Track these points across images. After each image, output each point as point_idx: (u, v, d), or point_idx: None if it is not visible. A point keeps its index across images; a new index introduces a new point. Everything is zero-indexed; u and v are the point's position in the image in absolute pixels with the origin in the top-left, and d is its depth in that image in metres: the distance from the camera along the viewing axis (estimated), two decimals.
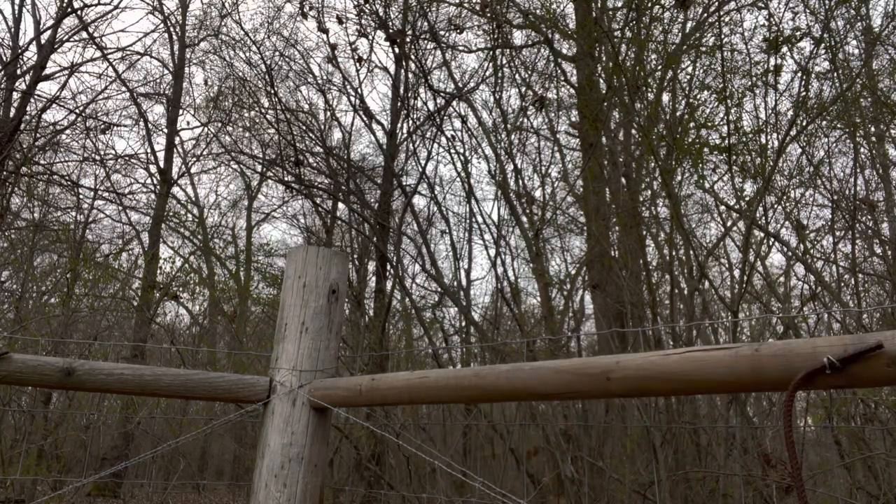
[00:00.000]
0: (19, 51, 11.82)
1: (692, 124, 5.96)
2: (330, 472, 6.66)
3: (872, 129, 6.34)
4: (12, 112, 11.12)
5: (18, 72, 11.69)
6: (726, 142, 5.28)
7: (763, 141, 5.29)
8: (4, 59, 11.50)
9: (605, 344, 5.58)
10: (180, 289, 11.02)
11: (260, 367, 6.91)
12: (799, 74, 5.39)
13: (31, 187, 11.68)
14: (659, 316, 5.48)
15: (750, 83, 5.80)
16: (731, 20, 6.61)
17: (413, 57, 8.18)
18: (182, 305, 12.75)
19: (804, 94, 5.05)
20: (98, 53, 14.29)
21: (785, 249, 5.96)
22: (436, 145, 8.93)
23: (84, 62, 12.93)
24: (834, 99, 5.36)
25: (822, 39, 5.20)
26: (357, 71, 9.41)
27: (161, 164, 14.05)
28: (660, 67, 6.43)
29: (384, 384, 1.93)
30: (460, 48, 8.92)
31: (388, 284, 8.33)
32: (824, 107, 5.33)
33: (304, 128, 9.49)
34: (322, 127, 12.02)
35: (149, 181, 14.84)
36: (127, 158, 14.07)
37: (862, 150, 6.32)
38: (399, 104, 9.58)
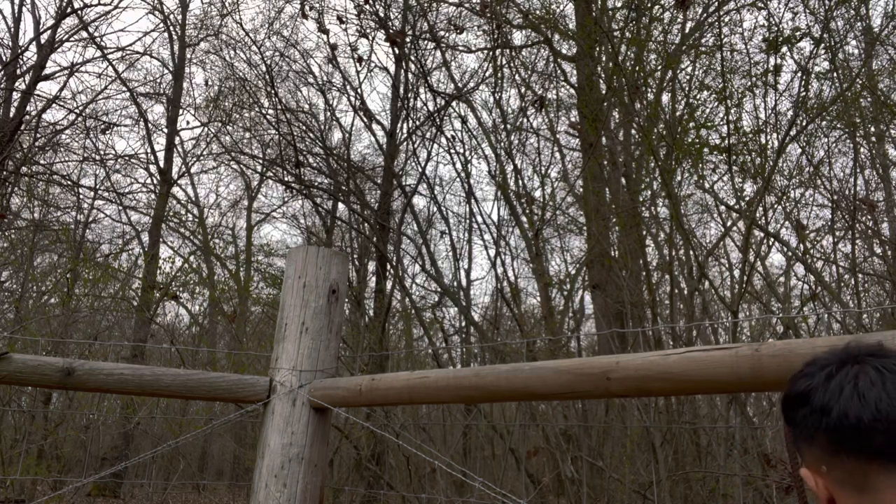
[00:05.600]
0: (19, 51, 11.82)
1: (692, 124, 5.96)
2: (330, 472, 6.66)
3: (872, 129, 6.34)
4: (12, 112, 11.12)
5: (18, 72, 11.69)
6: (726, 142, 5.28)
7: (763, 141, 5.29)
8: (4, 59, 11.50)
9: (605, 344, 5.58)
10: (180, 289, 11.02)
11: (260, 367, 6.91)
12: (799, 74, 5.39)
13: (31, 187, 11.68)
14: (659, 316, 5.49)
15: (750, 83, 5.80)
16: (730, 20, 6.61)
17: (413, 57, 8.18)
18: (182, 305, 12.75)
19: (804, 94, 5.05)
20: (98, 53, 14.30)
21: (785, 249, 5.96)
22: (436, 146, 8.93)
23: (84, 62, 12.93)
24: (834, 99, 5.36)
25: (822, 39, 5.20)
26: (357, 71, 9.41)
27: (161, 164, 14.05)
28: (659, 67, 6.43)
29: (384, 384, 1.94)
30: (460, 48, 8.93)
31: (388, 284, 8.34)
32: (824, 107, 5.33)
33: (304, 128, 9.49)
34: (322, 127, 12.02)
35: (149, 181, 14.85)
36: (127, 158, 14.06)
37: (862, 150, 6.32)
38: (399, 104, 9.58)
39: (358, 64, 8.88)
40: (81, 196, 12.95)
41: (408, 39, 7.97)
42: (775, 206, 5.43)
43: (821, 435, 0.82)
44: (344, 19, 8.68)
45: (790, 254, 5.99)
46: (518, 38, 9.02)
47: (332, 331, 2.31)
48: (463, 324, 8.23)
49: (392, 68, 10.44)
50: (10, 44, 12.04)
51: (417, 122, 8.82)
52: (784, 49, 5.31)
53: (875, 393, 0.78)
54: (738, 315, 4.69)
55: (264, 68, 9.67)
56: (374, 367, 7.35)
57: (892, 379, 0.79)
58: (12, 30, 12.28)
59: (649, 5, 6.62)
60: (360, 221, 10.49)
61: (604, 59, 6.65)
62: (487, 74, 8.47)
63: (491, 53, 7.80)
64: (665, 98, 6.48)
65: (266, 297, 11.05)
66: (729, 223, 6.21)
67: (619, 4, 7.37)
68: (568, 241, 10.91)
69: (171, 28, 14.77)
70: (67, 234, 11.65)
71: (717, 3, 6.48)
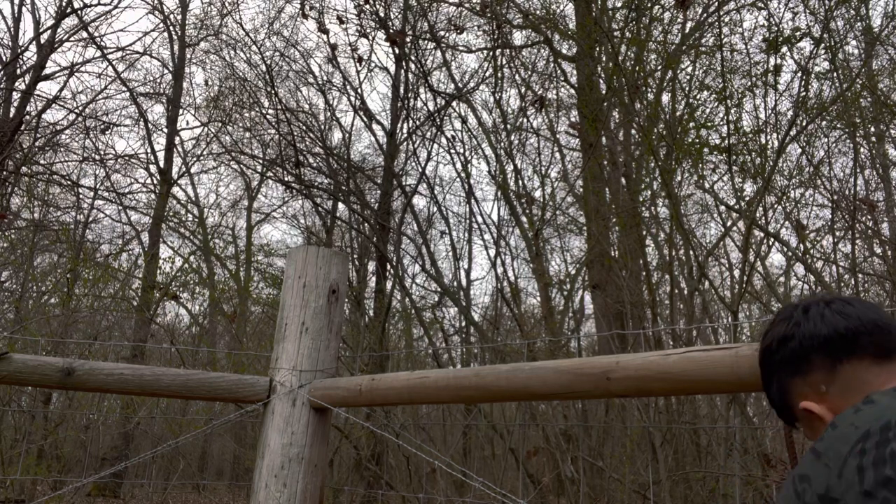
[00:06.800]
0: (19, 51, 11.82)
1: (692, 124, 5.96)
2: (330, 472, 6.66)
3: (872, 129, 6.34)
4: (12, 112, 11.12)
5: (18, 72, 11.69)
6: (726, 142, 5.28)
7: (763, 141, 5.29)
8: (4, 59, 11.50)
9: (605, 344, 5.58)
10: (180, 289, 11.01)
11: (260, 367, 6.91)
12: (799, 74, 5.39)
13: (31, 187, 11.68)
14: (659, 316, 5.48)
15: (750, 83, 5.80)
16: (730, 20, 6.61)
17: (413, 57, 8.18)
18: (182, 305, 12.74)
19: (804, 94, 5.05)
20: (98, 53, 14.30)
21: (785, 249, 5.96)
22: (436, 146, 8.94)
23: (84, 62, 12.93)
24: (834, 99, 5.35)
25: (822, 39, 5.20)
26: (357, 71, 9.42)
27: (161, 164, 14.04)
28: (660, 67, 6.43)
29: (384, 384, 1.94)
30: (460, 48, 8.92)
31: (388, 284, 8.33)
32: (824, 107, 5.32)
33: (304, 128, 9.48)
34: (322, 127, 12.02)
35: (149, 181, 14.84)
36: (127, 158, 14.06)
37: (862, 150, 6.32)
38: (399, 104, 9.58)
39: (358, 64, 8.89)
40: (81, 196, 12.96)
41: (408, 39, 7.97)
42: (775, 206, 5.43)
43: (816, 355, 0.93)
44: (344, 19, 8.68)
45: (790, 254, 5.98)
46: (518, 38, 9.02)
47: (332, 331, 2.31)
48: (463, 324, 8.24)
49: (392, 68, 10.44)
50: (10, 44, 12.04)
51: (417, 122, 8.82)
52: (784, 49, 5.31)
53: (852, 310, 0.94)
54: (738, 315, 4.69)
55: (264, 68, 9.67)
56: (374, 367, 7.35)
57: (858, 303, 0.95)
58: (12, 30, 12.29)
59: (649, 5, 6.62)
60: (360, 221, 10.49)
61: (604, 59, 6.65)
62: (487, 74, 8.48)
63: (491, 53, 7.80)
64: (665, 98, 6.48)
65: (266, 297, 11.05)
66: (729, 223, 6.21)
67: (619, 4, 7.37)
68: (568, 241, 10.92)
69: (171, 28, 14.78)
70: (67, 234, 11.65)
71: (717, 3, 6.48)
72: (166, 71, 14.78)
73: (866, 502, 0.69)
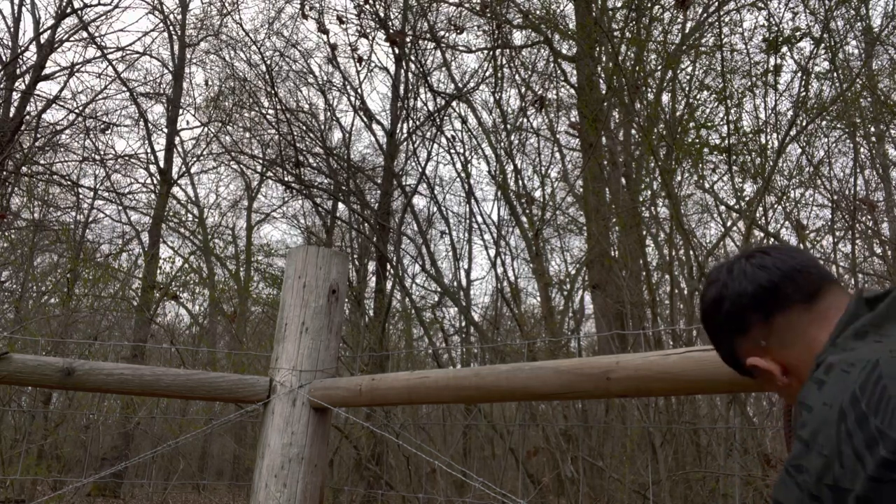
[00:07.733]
0: (19, 51, 11.82)
1: (692, 124, 5.96)
2: (330, 472, 6.66)
3: (872, 129, 6.34)
4: (12, 112, 11.12)
5: (18, 72, 11.69)
6: (726, 142, 5.28)
7: (763, 141, 5.29)
8: (4, 59, 11.50)
9: (605, 344, 5.58)
10: (180, 289, 11.02)
11: (260, 367, 6.90)
12: (799, 74, 5.40)
13: (31, 187, 11.68)
14: (659, 316, 5.48)
15: (750, 83, 5.80)
16: (730, 20, 6.61)
17: (413, 57, 8.18)
18: (182, 305, 12.74)
19: (804, 94, 5.05)
20: (98, 53, 14.30)
21: None
22: (436, 146, 8.94)
23: (84, 62, 12.93)
24: (834, 99, 5.36)
25: (822, 39, 5.20)
26: (357, 71, 9.42)
27: (161, 164, 14.04)
28: (660, 68, 6.43)
29: (384, 384, 1.94)
30: (460, 48, 8.92)
31: (388, 284, 8.33)
32: (824, 107, 5.32)
33: (304, 128, 9.49)
34: (322, 127, 12.02)
35: (149, 181, 14.84)
36: (127, 158, 14.06)
37: (862, 150, 6.32)
38: (399, 104, 9.58)
39: (358, 64, 8.89)
40: (81, 196, 12.96)
41: (408, 39, 7.97)
42: (775, 206, 5.43)
43: (750, 313, 0.96)
44: (344, 19, 8.68)
45: None
46: (518, 38, 9.02)
47: (332, 331, 2.31)
48: (463, 324, 8.24)
49: (392, 68, 10.44)
50: (10, 44, 12.04)
51: (417, 122, 8.82)
52: (784, 49, 5.31)
53: (770, 261, 0.97)
54: None
55: (264, 68, 9.67)
56: (374, 367, 7.35)
57: (776, 253, 0.98)
58: (12, 30, 12.29)
59: (649, 5, 6.62)
60: (360, 221, 10.49)
61: (604, 59, 6.65)
62: (487, 74, 8.48)
63: (491, 53, 7.80)
64: (665, 98, 6.48)
65: (266, 297, 11.04)
66: (729, 223, 6.21)
67: (619, 4, 7.37)
68: (568, 241, 10.92)
69: (171, 28, 14.77)
70: (67, 234, 11.65)
71: (717, 3, 6.48)
72: (166, 71, 14.78)
73: (878, 488, 0.70)
